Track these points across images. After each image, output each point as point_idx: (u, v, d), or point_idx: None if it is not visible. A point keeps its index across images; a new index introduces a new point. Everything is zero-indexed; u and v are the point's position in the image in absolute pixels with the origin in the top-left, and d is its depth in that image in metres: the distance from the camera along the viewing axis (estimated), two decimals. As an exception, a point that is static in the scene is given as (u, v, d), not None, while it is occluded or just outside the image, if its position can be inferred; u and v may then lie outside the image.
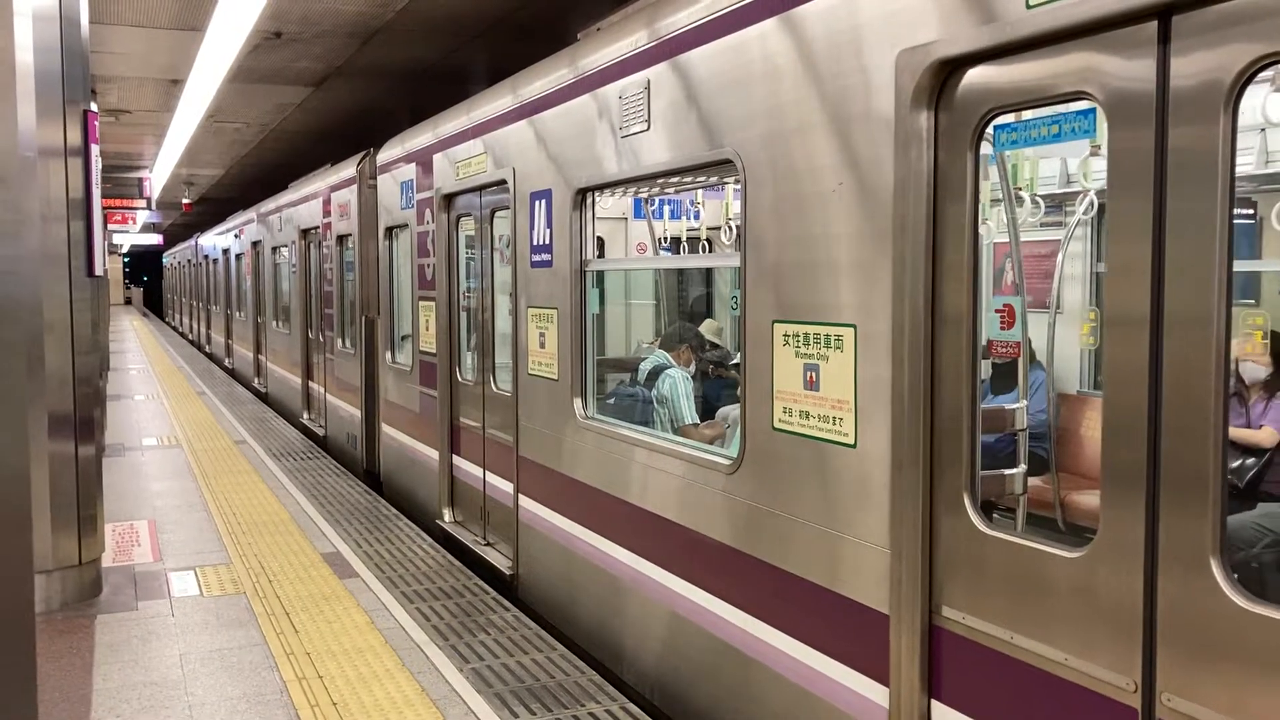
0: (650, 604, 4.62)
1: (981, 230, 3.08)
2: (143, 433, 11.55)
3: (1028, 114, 2.96)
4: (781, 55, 3.63)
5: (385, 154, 8.79)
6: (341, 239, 10.30)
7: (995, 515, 3.17)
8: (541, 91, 5.63)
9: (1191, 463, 2.34)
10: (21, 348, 1.80)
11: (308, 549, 6.72)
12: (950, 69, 2.94)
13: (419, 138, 7.84)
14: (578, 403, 5.32)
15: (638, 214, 7.65)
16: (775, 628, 3.75)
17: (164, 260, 45.03)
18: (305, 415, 12.45)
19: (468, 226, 7.10)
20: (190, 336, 29.93)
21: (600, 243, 7.24)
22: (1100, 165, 4.50)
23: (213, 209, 27.42)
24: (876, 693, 3.25)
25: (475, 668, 4.73)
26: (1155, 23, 2.40)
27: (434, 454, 7.55)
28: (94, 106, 5.77)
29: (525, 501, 5.99)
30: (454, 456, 7.33)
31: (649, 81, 4.51)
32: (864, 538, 3.28)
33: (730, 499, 3.98)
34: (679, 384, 5.86)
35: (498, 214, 6.53)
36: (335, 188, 10.41)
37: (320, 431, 11.47)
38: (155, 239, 40.22)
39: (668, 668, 4.52)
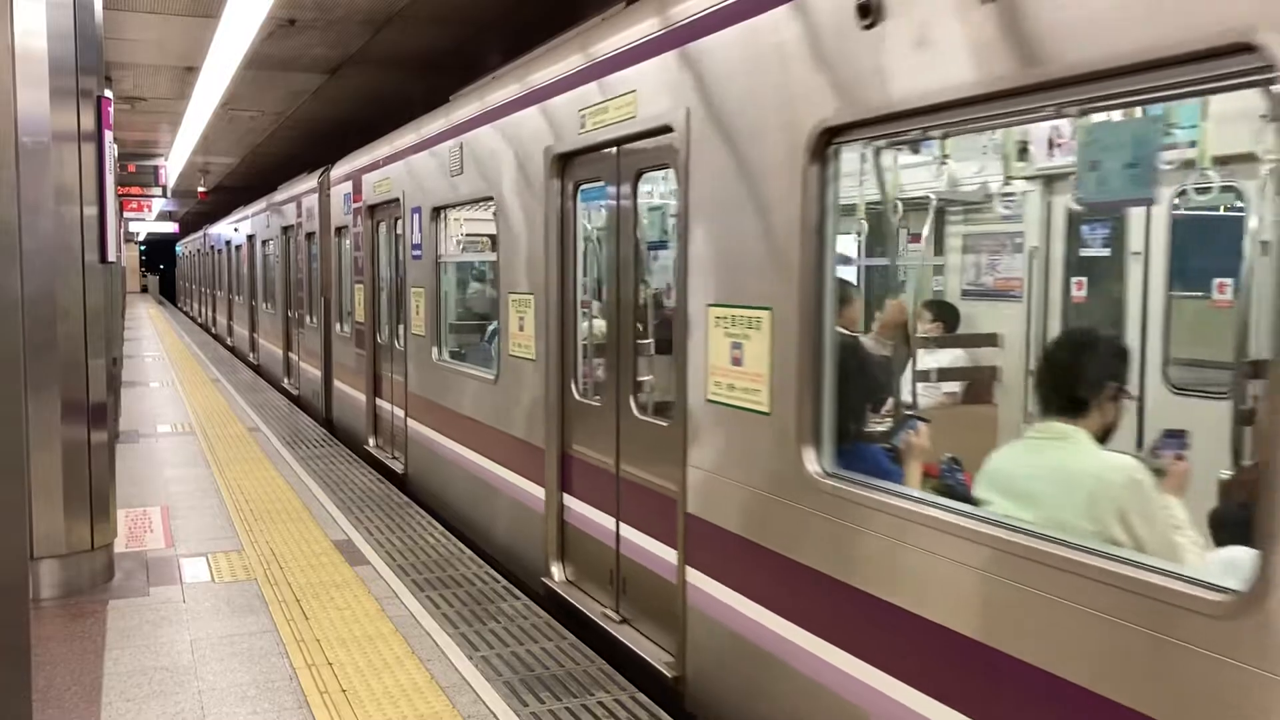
0: (466, 474, 7.15)
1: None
2: (157, 419, 11.60)
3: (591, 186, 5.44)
4: (503, 139, 6.32)
5: (335, 171, 11.23)
6: (309, 235, 12.71)
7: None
8: (419, 138, 8.12)
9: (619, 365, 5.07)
10: (18, 337, 1.79)
11: (319, 536, 6.73)
12: (563, 160, 5.46)
13: (353, 163, 10.40)
14: (434, 349, 7.86)
15: None
16: (505, 467, 6.40)
17: (177, 249, 46.26)
18: (285, 381, 15.04)
19: (383, 229, 9.52)
20: (199, 320, 32.26)
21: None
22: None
23: (228, 197, 27.49)
24: (540, 492, 5.77)
25: (485, 656, 4.72)
26: (615, 149, 4.96)
27: (363, 397, 10.09)
28: (108, 93, 5.77)
29: (411, 423, 8.50)
30: (376, 398, 9.82)
31: (462, 143, 7.06)
32: (538, 407, 5.78)
33: (493, 399, 6.61)
34: None
35: (398, 221, 8.79)
36: (305, 194, 12.96)
37: (295, 391, 14.14)
38: (171, 227, 40.44)
39: (472, 510, 7.11)
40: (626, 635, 4.87)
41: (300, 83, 12.19)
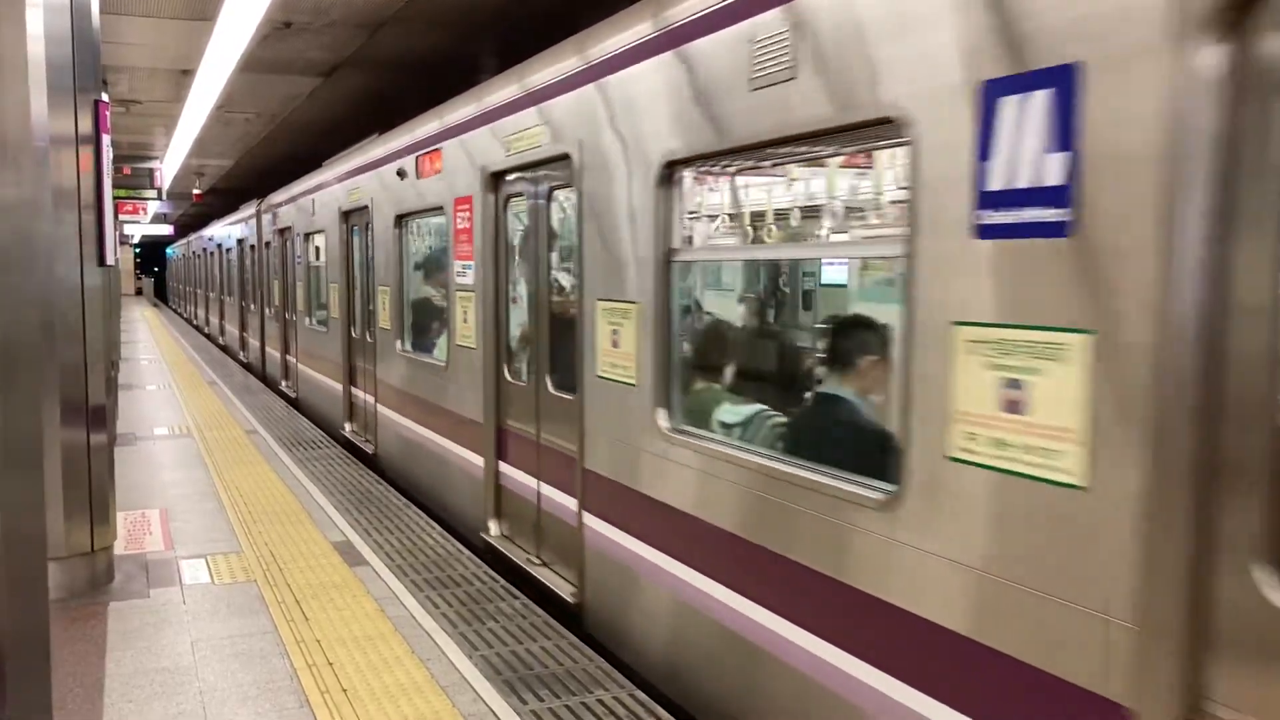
0: (317, 388, 12.08)
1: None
2: (154, 422, 11.61)
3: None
4: (328, 198, 11.22)
5: (266, 202, 16.19)
6: (253, 247, 17.82)
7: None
8: (300, 190, 12.95)
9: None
10: (37, 341, 1.82)
11: (318, 537, 6.75)
12: (345, 214, 10.57)
13: (273, 199, 15.43)
14: (308, 319, 12.89)
15: None
16: (329, 379, 11.67)
17: (168, 252, 48.23)
18: (241, 354, 20.19)
19: (288, 245, 14.19)
20: (184, 315, 37.90)
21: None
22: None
23: (223, 200, 27.46)
24: (340, 387, 11.17)
25: (484, 655, 4.75)
26: (363, 210, 9.81)
27: (279, 355, 15.37)
28: (105, 96, 5.78)
29: (300, 366, 13.58)
30: (286, 355, 14.89)
31: (314, 198, 11.86)
32: (339, 344, 11.19)
33: (324, 342, 11.80)
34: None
35: (294, 239, 13.62)
36: (249, 217, 18.02)
37: (245, 360, 19.22)
38: (166, 229, 40.36)
39: (318, 408, 12.10)
40: (360, 441, 10.19)
41: (296, 85, 12.19)
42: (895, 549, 3.07)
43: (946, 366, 2.85)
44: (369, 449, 9.73)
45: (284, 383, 14.97)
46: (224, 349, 22.58)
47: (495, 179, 6.40)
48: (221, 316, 24.43)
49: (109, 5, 8.54)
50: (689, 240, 4.64)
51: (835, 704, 3.37)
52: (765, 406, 4.67)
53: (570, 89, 5.17)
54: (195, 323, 32.28)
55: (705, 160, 4.22)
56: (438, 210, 7.46)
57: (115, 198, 13.26)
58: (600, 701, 4.28)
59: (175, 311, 41.41)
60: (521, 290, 6.44)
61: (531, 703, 4.26)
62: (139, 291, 54.97)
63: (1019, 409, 2.63)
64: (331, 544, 6.59)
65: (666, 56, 4.26)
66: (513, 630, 5.08)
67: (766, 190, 5.93)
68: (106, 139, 5.67)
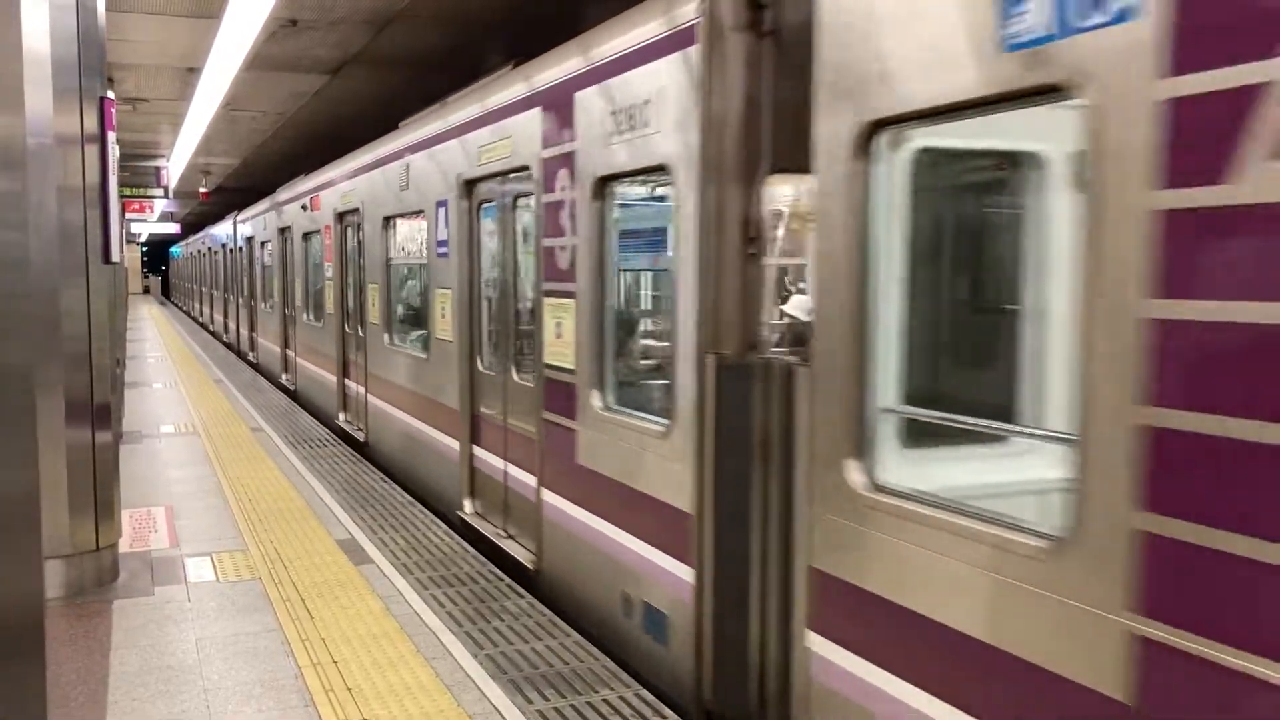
0: (268, 351, 17.22)
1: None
2: (160, 420, 11.62)
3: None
4: (269, 220, 16.67)
5: (240, 217, 20.76)
6: (232, 251, 22.35)
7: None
8: (253, 213, 18.77)
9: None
10: (30, 340, 1.80)
11: (323, 535, 6.74)
12: (281, 230, 15.28)
13: (243, 215, 20.48)
14: (264, 304, 17.80)
15: None
16: (272, 344, 16.92)
17: (172, 252, 51.70)
18: (224, 336, 24.55)
19: (253, 250, 18.89)
20: (183, 308, 42.44)
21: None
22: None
23: (231, 198, 27.49)
24: (279, 348, 16.19)
25: (489, 654, 4.74)
26: (291, 228, 14.79)
27: (247, 331, 20.01)
28: (111, 94, 5.77)
29: (259, 338, 18.60)
30: (252, 332, 19.29)
31: (264, 218, 17.20)
32: (277, 320, 16.15)
33: (268, 320, 17.25)
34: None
35: (256, 246, 18.23)
36: (229, 226, 22.80)
37: (227, 339, 23.89)
38: (173, 228, 40.42)
39: (267, 366, 17.23)
40: (288, 383, 14.95)
41: (302, 83, 12.19)
42: (430, 373, 7.83)
43: (436, 304, 7.48)
44: (291, 387, 14.69)
45: (251, 354, 19.68)
46: (213, 334, 27.83)
47: (340, 216, 11.21)
48: (211, 307, 30.61)
49: (115, 3, 8.54)
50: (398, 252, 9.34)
51: (431, 449, 7.99)
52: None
53: (362, 173, 9.93)
54: (193, 314, 37.25)
55: (394, 218, 9.01)
56: (318, 231, 12.31)
57: (121, 196, 13.37)
58: (605, 701, 4.26)
59: (178, 308, 44.12)
60: (350, 280, 10.96)
61: (537, 702, 4.25)
62: (146, 290, 55.10)
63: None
64: (336, 542, 6.58)
65: (392, 165, 8.65)
66: (518, 629, 5.06)
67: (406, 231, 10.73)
68: (112, 136, 5.66)
